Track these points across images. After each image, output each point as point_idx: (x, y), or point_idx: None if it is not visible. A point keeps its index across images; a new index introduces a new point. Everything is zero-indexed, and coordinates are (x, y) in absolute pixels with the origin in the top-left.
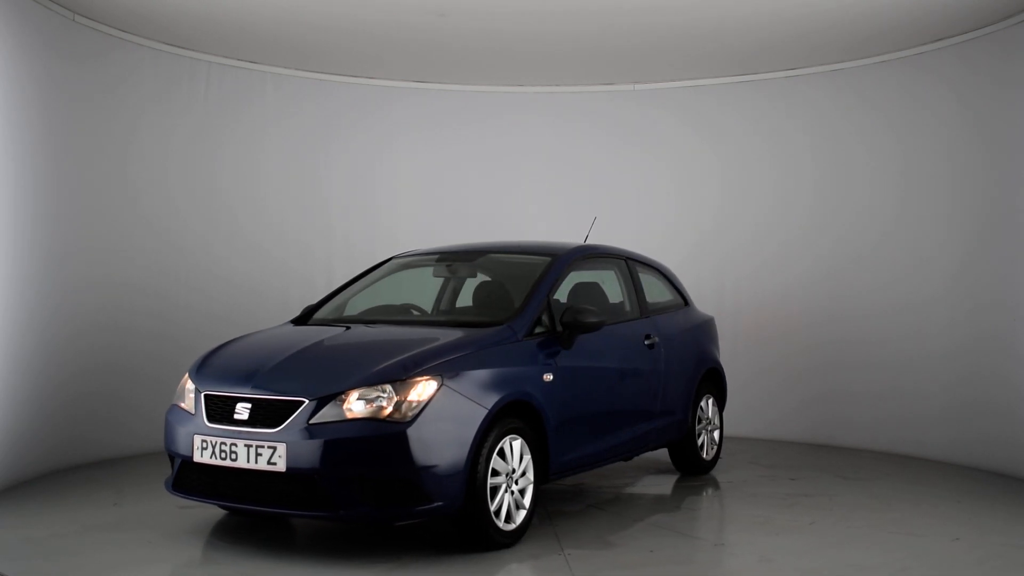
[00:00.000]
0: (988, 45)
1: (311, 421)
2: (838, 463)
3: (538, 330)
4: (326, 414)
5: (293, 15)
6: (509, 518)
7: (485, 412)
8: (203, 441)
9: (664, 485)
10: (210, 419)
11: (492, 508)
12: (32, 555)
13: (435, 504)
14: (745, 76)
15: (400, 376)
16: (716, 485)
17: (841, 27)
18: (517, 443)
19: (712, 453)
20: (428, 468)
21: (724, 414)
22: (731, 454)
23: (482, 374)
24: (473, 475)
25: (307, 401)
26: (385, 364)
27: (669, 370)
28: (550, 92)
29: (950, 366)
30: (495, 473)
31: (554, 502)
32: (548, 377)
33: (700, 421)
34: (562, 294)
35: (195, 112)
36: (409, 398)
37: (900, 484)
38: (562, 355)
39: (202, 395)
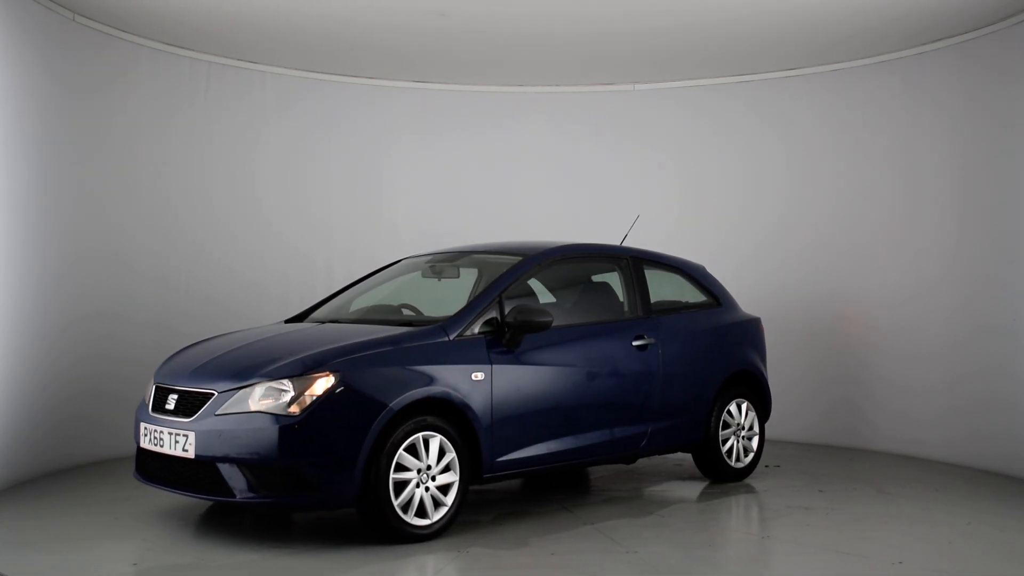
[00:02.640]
0: (990, 44)
1: (217, 412)
2: (896, 475)
3: (484, 330)
4: (231, 406)
5: (293, 15)
6: (424, 514)
7: (385, 408)
8: (144, 428)
9: (680, 491)
10: (152, 409)
11: (397, 503)
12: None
13: (325, 495)
14: (744, 76)
15: (299, 372)
16: (729, 493)
17: (841, 27)
18: (435, 440)
19: (747, 460)
20: (317, 460)
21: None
22: (794, 461)
23: (391, 371)
24: (372, 469)
25: (216, 393)
26: (289, 360)
27: (672, 372)
28: (550, 92)
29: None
30: (403, 469)
31: (528, 502)
32: (477, 376)
33: (728, 426)
34: (569, 294)
35: (195, 111)
36: (306, 393)
37: (932, 501)
38: (504, 354)
39: (153, 387)
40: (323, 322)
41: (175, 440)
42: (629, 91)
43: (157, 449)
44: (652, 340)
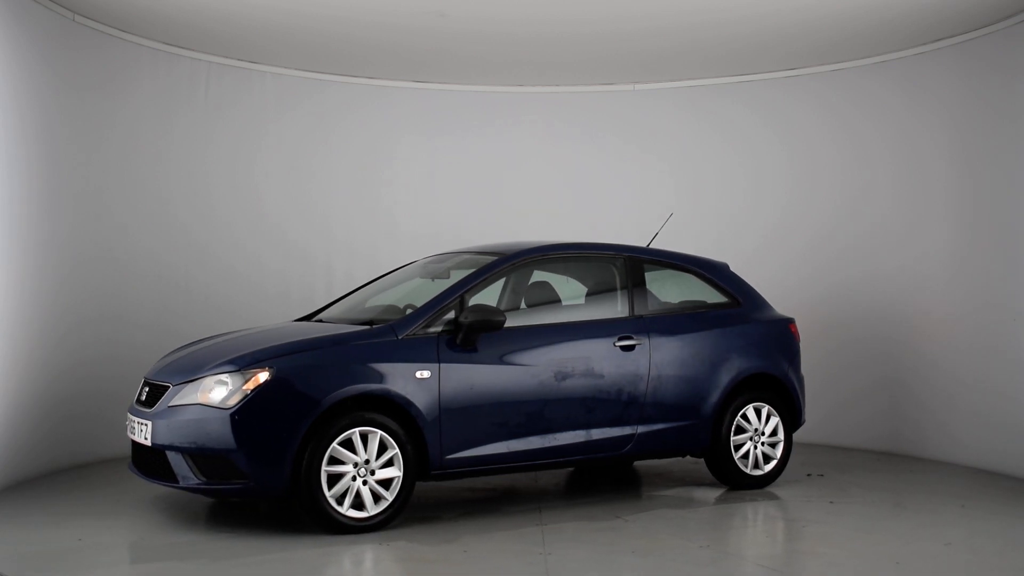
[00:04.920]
0: (990, 44)
1: (170, 404)
2: (940, 490)
3: (446, 329)
4: (181, 397)
5: (293, 15)
6: (362, 506)
7: (316, 403)
8: (128, 419)
9: (687, 496)
10: (136, 401)
11: (330, 494)
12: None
13: (253, 483)
14: (745, 76)
15: (238, 367)
16: (733, 501)
17: (841, 27)
18: (375, 436)
19: (768, 468)
20: (245, 450)
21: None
22: (843, 470)
23: (328, 369)
24: (302, 462)
25: (171, 386)
26: (233, 356)
27: (664, 373)
28: (550, 92)
29: None
30: (339, 462)
31: (507, 502)
32: (423, 374)
33: (742, 431)
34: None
35: (195, 112)
36: (244, 387)
37: (939, 519)
38: (458, 353)
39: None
40: (321, 321)
41: (140, 429)
42: (629, 91)
43: (132, 437)
44: (640, 341)
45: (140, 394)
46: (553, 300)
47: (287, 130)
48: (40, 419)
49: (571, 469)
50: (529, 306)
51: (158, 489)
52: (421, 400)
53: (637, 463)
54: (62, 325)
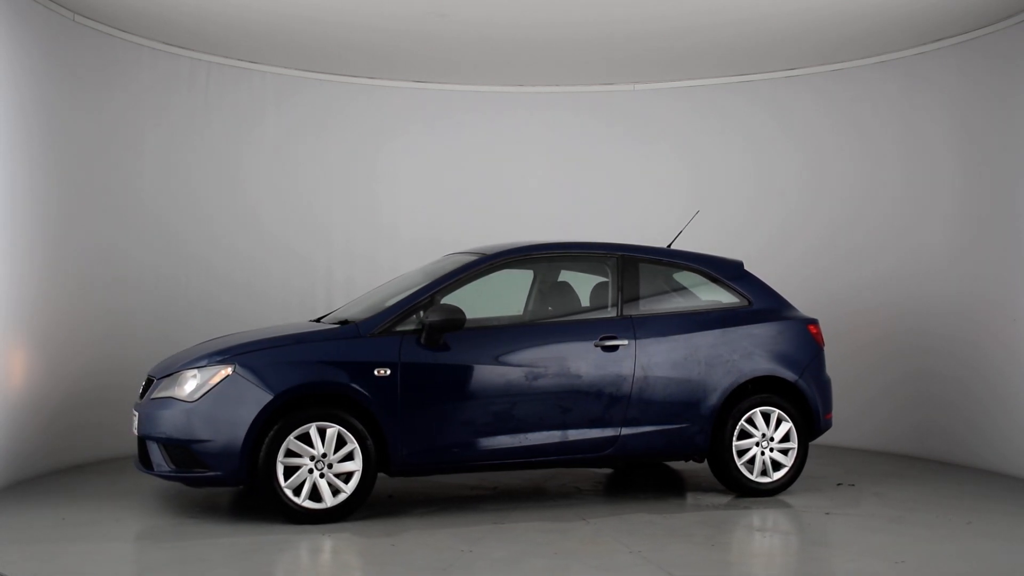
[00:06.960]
0: (995, 41)
1: (152, 397)
2: (958, 504)
3: (408, 328)
4: (159, 391)
5: (293, 15)
6: (319, 498)
7: (270, 398)
8: (131, 412)
9: (687, 501)
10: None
11: (285, 485)
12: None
13: (212, 473)
14: (744, 76)
15: (204, 363)
16: (729, 508)
17: (841, 27)
18: (332, 430)
19: (778, 475)
20: (204, 441)
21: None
22: (878, 479)
23: (286, 365)
24: (258, 453)
25: (155, 380)
26: (207, 352)
27: (652, 374)
28: (550, 92)
29: None
30: (296, 455)
31: (489, 500)
32: (383, 372)
33: (747, 436)
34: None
35: (195, 112)
36: (208, 382)
37: (923, 537)
38: (423, 351)
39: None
40: (322, 320)
41: (133, 420)
42: (629, 91)
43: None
44: (625, 341)
45: (141, 389)
46: (558, 301)
47: (287, 130)
48: (43, 423)
49: (610, 471)
50: (527, 307)
51: (159, 481)
52: (380, 397)
53: (677, 466)
54: (66, 329)
